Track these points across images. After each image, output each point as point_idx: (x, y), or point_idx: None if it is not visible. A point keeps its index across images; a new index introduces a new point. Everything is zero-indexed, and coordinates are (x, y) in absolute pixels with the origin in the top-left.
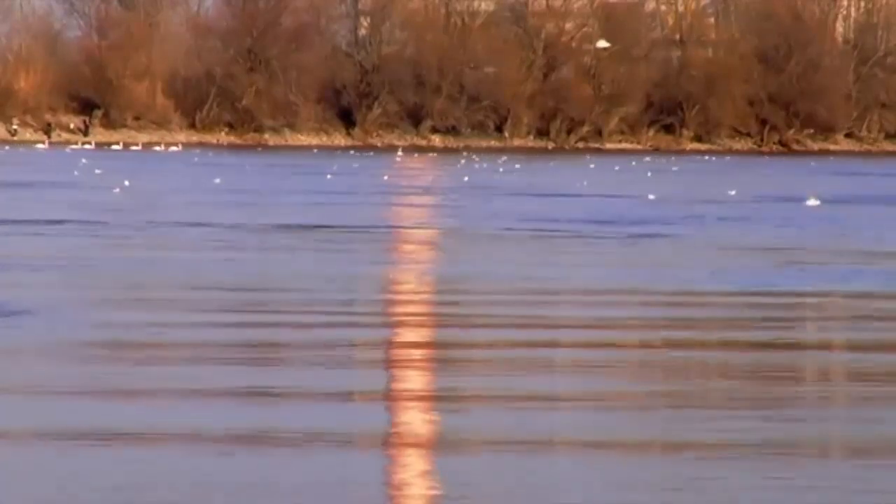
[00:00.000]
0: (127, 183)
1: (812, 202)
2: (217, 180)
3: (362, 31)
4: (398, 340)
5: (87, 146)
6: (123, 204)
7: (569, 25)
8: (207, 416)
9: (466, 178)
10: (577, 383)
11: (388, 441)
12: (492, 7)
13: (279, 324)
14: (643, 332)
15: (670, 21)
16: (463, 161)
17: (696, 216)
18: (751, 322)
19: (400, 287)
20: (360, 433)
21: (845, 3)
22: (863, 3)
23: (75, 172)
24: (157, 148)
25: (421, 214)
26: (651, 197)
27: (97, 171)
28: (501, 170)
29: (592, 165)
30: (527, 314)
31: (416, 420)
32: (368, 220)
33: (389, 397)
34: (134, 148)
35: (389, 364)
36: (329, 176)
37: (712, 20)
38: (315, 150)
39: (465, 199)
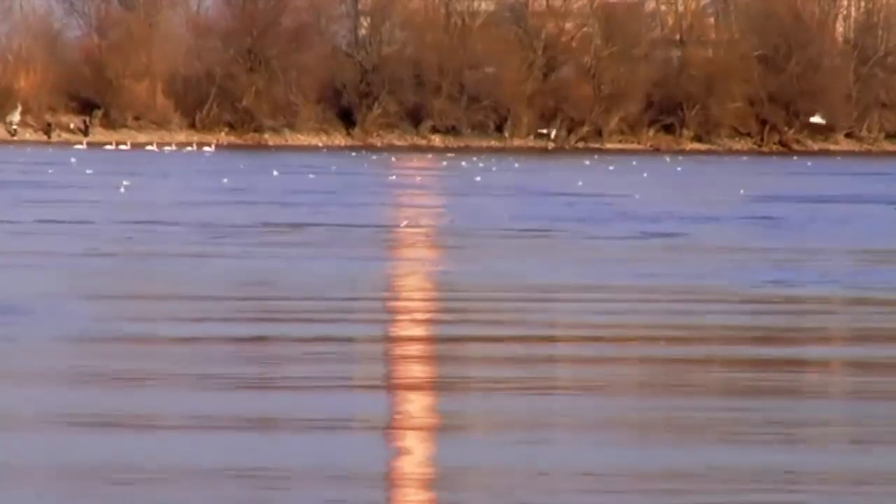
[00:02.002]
0: (126, 182)
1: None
2: (224, 180)
3: (362, 31)
4: (399, 354)
5: (122, 146)
6: (121, 204)
7: (569, 25)
8: (207, 446)
9: (479, 179)
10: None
11: (388, 473)
12: (492, 7)
13: (280, 337)
14: (644, 335)
15: (670, 21)
16: (464, 163)
17: (689, 217)
18: (748, 329)
19: (400, 289)
20: (361, 462)
21: (845, 3)
22: (863, 3)
23: (49, 171)
24: (154, 148)
25: (422, 215)
26: (637, 196)
27: (88, 171)
28: (495, 168)
29: (611, 168)
30: (528, 320)
31: (416, 449)
32: (369, 220)
33: (388, 420)
34: (124, 148)
35: (390, 385)
36: (312, 175)
37: (712, 20)
38: (325, 150)
39: (463, 199)
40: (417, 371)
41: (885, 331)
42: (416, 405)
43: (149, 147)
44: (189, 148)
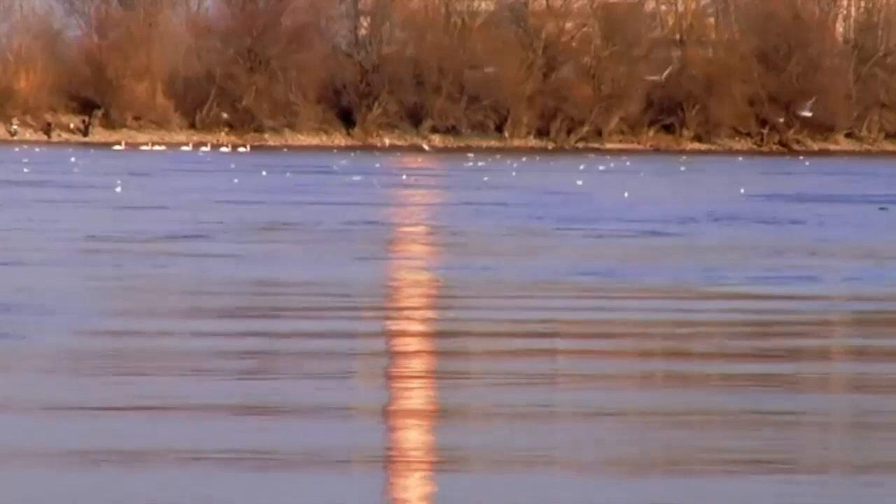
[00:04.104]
0: (120, 181)
1: None
2: (235, 180)
3: (362, 31)
4: (399, 364)
5: (157, 147)
6: (117, 203)
7: (569, 25)
8: (201, 482)
9: (486, 178)
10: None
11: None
12: (492, 7)
13: (278, 351)
14: (643, 343)
15: (670, 21)
16: (467, 163)
17: (689, 216)
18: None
19: (400, 288)
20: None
21: (845, 3)
22: (863, 3)
23: (47, 171)
24: (189, 148)
25: (423, 214)
26: (636, 196)
27: (76, 171)
28: (495, 167)
29: (610, 167)
30: (527, 330)
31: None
32: (372, 219)
33: (386, 453)
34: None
35: (390, 419)
36: (288, 174)
37: (712, 20)
38: (335, 151)
39: (464, 198)
40: (416, 392)
41: (886, 335)
42: (415, 434)
43: (184, 148)
44: (223, 149)
